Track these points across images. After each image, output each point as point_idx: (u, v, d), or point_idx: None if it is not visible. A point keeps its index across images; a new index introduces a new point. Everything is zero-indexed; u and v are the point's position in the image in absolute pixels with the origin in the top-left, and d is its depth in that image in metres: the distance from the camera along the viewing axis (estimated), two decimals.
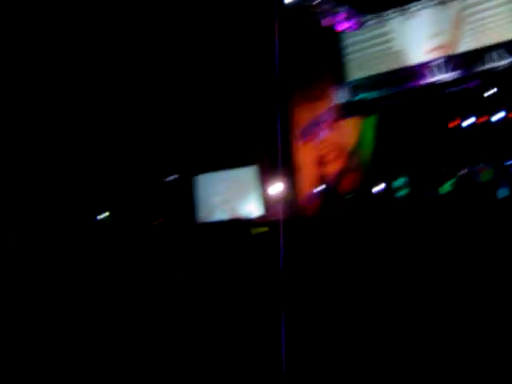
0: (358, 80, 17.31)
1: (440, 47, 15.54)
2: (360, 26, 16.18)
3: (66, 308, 7.98)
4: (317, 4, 14.72)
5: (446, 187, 15.44)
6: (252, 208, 18.79)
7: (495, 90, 16.09)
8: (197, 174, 21.04)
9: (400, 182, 16.13)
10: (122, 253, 13.06)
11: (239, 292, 7.50)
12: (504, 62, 14.44)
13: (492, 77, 15.31)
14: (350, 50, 17.45)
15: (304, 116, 18.52)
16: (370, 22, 16.59)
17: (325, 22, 15.46)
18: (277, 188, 18.12)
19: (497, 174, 15.23)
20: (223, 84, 19.09)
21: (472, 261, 6.33)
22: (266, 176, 19.07)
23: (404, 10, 16.05)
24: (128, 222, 18.96)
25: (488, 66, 14.69)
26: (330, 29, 15.99)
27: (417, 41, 15.97)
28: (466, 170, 15.76)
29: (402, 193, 15.92)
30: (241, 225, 16.76)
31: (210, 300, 7.45)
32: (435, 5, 15.75)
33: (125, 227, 18.44)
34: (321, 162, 18.03)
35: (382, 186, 16.34)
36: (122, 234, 17.19)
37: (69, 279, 10.22)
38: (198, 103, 19.62)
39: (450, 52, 15.34)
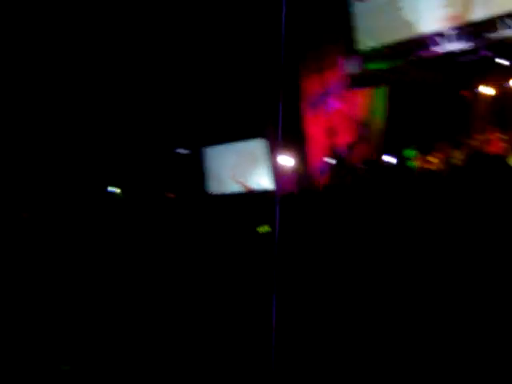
0: (369, 50, 17.08)
1: (451, 17, 15.30)
2: None
3: (74, 281, 8.04)
4: None
5: (457, 158, 15.37)
6: (263, 180, 18.79)
7: (507, 60, 15.93)
8: (206, 146, 21.05)
9: (411, 152, 16.06)
10: (133, 225, 13.11)
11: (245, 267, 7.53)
12: None
13: (505, 46, 15.12)
14: (360, 18, 17.17)
15: (314, 86, 18.43)
16: None
17: None
18: (287, 160, 18.11)
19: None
20: (232, 55, 18.98)
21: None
22: (275, 148, 19.06)
23: None
24: (138, 194, 19.03)
25: (501, 34, 14.45)
26: None
27: (428, 10, 15.69)
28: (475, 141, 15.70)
29: (413, 164, 15.86)
30: (252, 197, 16.78)
31: (217, 271, 7.48)
32: None
33: (136, 200, 18.51)
34: (331, 133, 17.96)
35: (394, 157, 16.29)
36: (133, 207, 17.25)
37: (78, 252, 10.28)
38: (206, 75, 19.54)
39: (462, 21, 15.10)
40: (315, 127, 18.47)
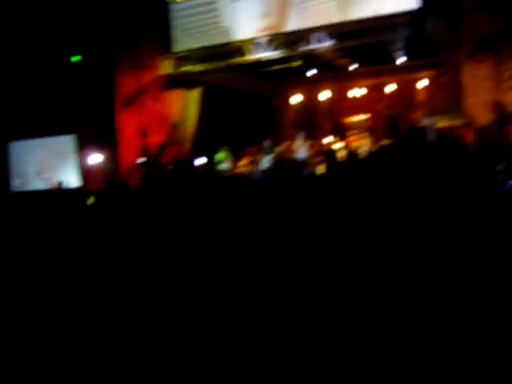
0: (185, 51, 17.18)
1: (267, 27, 15.86)
2: None
3: None
4: None
5: (265, 162, 15.92)
6: (70, 178, 18.16)
7: (314, 70, 16.80)
8: (11, 140, 19.96)
9: (221, 155, 16.38)
10: None
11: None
12: (325, 44, 15.06)
13: (313, 57, 15.95)
14: (178, 19, 17.23)
15: (127, 84, 18.14)
16: None
17: None
18: (97, 158, 17.70)
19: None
20: (41, 50, 18.17)
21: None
22: (85, 145, 18.54)
23: None
24: None
25: (311, 46, 15.24)
26: None
27: (244, 18, 16.15)
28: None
29: (223, 166, 16.18)
30: (57, 194, 16.15)
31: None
32: None
33: None
34: (143, 132, 17.78)
35: (204, 159, 16.50)
36: None
37: None
38: (13, 67, 18.56)
39: (276, 31, 15.71)
40: (128, 126, 18.18)
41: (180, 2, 16.66)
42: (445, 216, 6.22)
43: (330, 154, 12.14)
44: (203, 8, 16.76)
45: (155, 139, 17.63)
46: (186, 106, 17.89)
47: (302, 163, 14.31)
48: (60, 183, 16.40)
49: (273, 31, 15.79)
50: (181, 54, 17.24)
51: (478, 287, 4.75)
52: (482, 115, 13.72)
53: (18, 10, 17.53)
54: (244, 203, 8.58)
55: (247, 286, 5.55)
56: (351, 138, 15.96)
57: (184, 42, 17.24)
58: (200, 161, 16.49)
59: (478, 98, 13.78)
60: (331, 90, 19.09)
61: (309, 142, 16.24)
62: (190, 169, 15.18)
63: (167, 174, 15.46)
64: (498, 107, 13.45)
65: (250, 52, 16.00)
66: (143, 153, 17.47)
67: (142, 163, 17.25)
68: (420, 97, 18.10)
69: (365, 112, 19.36)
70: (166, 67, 17.46)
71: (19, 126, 19.20)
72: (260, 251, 6.11)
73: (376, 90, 18.67)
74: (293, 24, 15.58)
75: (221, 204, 8.80)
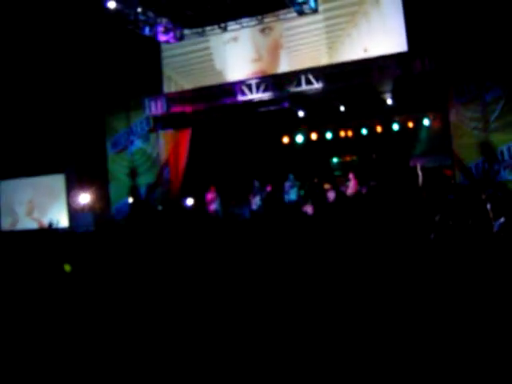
0: (175, 93, 17.34)
1: (259, 71, 16.09)
2: (179, 39, 16.19)
3: None
4: (137, 13, 14.49)
5: (255, 203, 15.92)
6: (59, 217, 18.06)
7: (305, 111, 16.92)
8: (1, 179, 19.90)
9: (211, 196, 16.35)
10: None
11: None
12: (315, 86, 15.24)
13: (303, 99, 16.09)
14: (168, 62, 17.45)
15: (118, 125, 18.23)
16: (189, 37, 16.66)
17: (144, 32, 15.25)
18: (86, 198, 17.67)
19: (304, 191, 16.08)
20: (34, 88, 18.26)
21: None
22: (75, 185, 18.52)
23: (224, 27, 16.32)
24: None
25: (301, 88, 15.43)
26: (150, 39, 15.83)
27: (236, 61, 16.38)
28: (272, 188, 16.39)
29: (213, 207, 16.16)
30: (46, 234, 16.05)
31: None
32: (254, 27, 16.21)
33: None
34: (133, 173, 17.80)
35: (194, 199, 16.49)
36: None
37: None
38: (5, 107, 18.62)
39: (268, 74, 15.93)
40: (118, 166, 18.21)
41: (171, 45, 16.81)
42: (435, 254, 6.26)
43: (319, 194, 12.19)
44: (195, 51, 16.99)
45: (145, 179, 17.65)
46: (176, 146, 17.95)
47: (292, 204, 14.35)
48: (51, 224, 16.27)
49: (263, 73, 16.02)
50: (171, 96, 17.37)
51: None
52: (470, 155, 13.84)
53: (9, 51, 17.65)
54: (234, 243, 8.58)
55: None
56: (339, 179, 16.04)
57: (174, 83, 17.41)
58: (189, 201, 16.49)
59: (466, 138, 13.93)
60: (319, 130, 19.22)
61: (298, 183, 16.29)
62: (180, 209, 15.18)
63: (157, 214, 15.45)
64: (485, 148, 13.58)
65: (241, 94, 16.15)
66: (133, 193, 17.46)
67: (132, 203, 17.23)
68: (408, 138, 18.22)
69: (354, 153, 19.49)
70: (155, 108, 17.55)
71: (9, 164, 19.16)
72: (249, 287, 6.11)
73: (364, 131, 18.78)
74: (283, 67, 15.83)
75: (211, 243, 8.80)
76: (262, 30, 16.15)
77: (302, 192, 16.22)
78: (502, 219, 7.14)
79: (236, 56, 16.42)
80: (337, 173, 18.66)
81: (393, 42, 14.38)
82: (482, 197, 10.57)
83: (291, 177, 16.20)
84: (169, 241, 9.09)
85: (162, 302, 6.33)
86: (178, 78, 17.33)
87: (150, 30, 15.30)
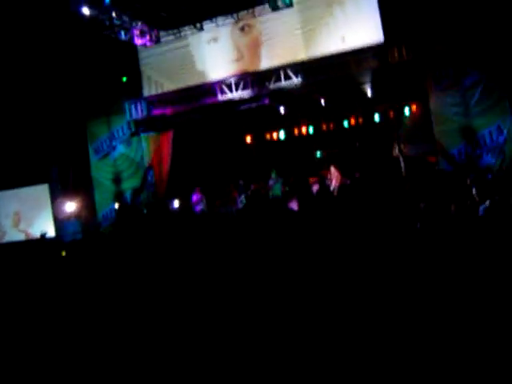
0: (155, 95, 17.26)
1: (239, 70, 16.04)
2: (156, 41, 16.10)
3: None
4: (112, 17, 14.40)
5: (241, 201, 15.93)
6: (46, 227, 17.95)
7: (286, 107, 16.94)
8: None
9: (196, 197, 16.32)
10: None
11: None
12: (294, 81, 15.24)
13: (283, 95, 16.09)
14: (146, 65, 17.34)
15: (99, 131, 18.14)
16: (167, 39, 16.60)
17: (120, 37, 15.17)
18: (71, 206, 17.59)
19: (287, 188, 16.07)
20: (12, 99, 18.11)
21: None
22: (59, 194, 18.43)
23: (200, 27, 16.25)
24: None
25: (280, 84, 15.44)
26: (127, 43, 15.74)
27: (216, 62, 16.32)
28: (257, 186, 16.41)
29: (199, 208, 16.14)
30: (36, 245, 15.97)
31: None
32: (234, 27, 16.15)
33: None
34: (117, 178, 17.73)
35: (179, 201, 16.46)
36: None
37: None
38: None
39: (248, 72, 15.90)
40: (102, 172, 18.12)
41: (150, 48, 16.70)
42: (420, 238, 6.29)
43: (304, 189, 12.19)
44: (173, 50, 16.89)
45: (129, 184, 17.59)
46: (158, 149, 17.90)
47: (277, 200, 14.34)
48: (43, 234, 16.11)
49: (244, 72, 15.96)
50: (151, 98, 17.31)
51: None
52: (452, 142, 13.89)
53: None
54: (220, 240, 8.58)
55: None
56: (323, 172, 16.02)
57: (154, 86, 17.32)
58: (176, 203, 16.46)
59: (447, 125, 13.97)
60: (302, 125, 19.24)
61: (282, 179, 16.29)
62: (166, 211, 15.15)
63: (143, 218, 15.40)
64: (467, 133, 13.64)
65: (221, 93, 16.12)
66: (118, 198, 17.40)
67: (118, 208, 17.17)
68: (390, 127, 18.27)
69: (336, 146, 19.49)
70: (136, 112, 17.49)
71: None
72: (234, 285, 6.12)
73: (346, 124, 18.81)
74: (264, 64, 15.77)
75: (198, 241, 8.79)
76: (242, 29, 16.07)
77: (287, 188, 16.22)
78: (488, 203, 7.18)
79: (217, 56, 16.33)
80: (321, 167, 18.66)
81: (369, 31, 14.35)
82: (467, 182, 10.65)
83: (274, 173, 16.21)
84: (156, 243, 9.07)
85: (156, 302, 6.32)
86: (158, 78, 17.20)
87: (125, 34, 15.22)
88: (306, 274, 5.89)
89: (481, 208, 7.35)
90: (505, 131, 13.42)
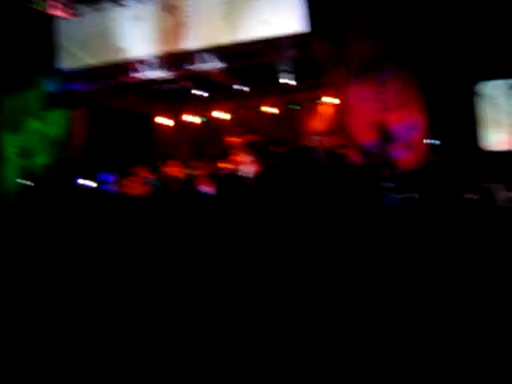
0: (70, 70, 16.72)
1: (161, 50, 15.73)
2: (76, 15, 15.59)
3: None
4: None
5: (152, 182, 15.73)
6: None
7: (204, 91, 16.84)
8: None
9: (106, 176, 16.00)
10: None
11: None
12: (212, 65, 15.13)
13: (202, 79, 15.99)
14: (64, 38, 16.73)
15: (13, 105, 17.46)
16: (86, 13, 16.09)
17: (40, 8, 14.57)
18: None
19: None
20: None
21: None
22: None
23: (121, 4, 15.85)
24: None
25: (200, 67, 15.28)
26: (45, 15, 15.15)
27: (138, 41, 15.96)
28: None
29: (109, 187, 15.82)
30: None
31: None
32: (160, 7, 15.82)
33: None
34: (26, 153, 17.14)
35: (90, 179, 16.09)
36: None
37: None
38: None
39: (166, 52, 15.62)
40: (11, 147, 17.47)
41: (68, 20, 16.13)
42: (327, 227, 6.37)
43: (215, 175, 12.17)
44: (91, 27, 16.41)
45: (41, 160, 17.04)
46: (73, 125, 17.40)
47: (188, 183, 14.26)
48: None
49: (161, 51, 15.68)
50: (66, 73, 16.76)
51: None
52: (366, 135, 14.18)
53: None
54: (130, 222, 8.46)
55: None
56: (237, 159, 16.02)
57: (70, 60, 16.77)
58: (84, 181, 16.05)
59: (362, 118, 14.24)
60: (218, 110, 19.23)
61: (195, 163, 16.20)
62: (74, 189, 14.78)
63: (51, 196, 14.93)
64: (381, 127, 13.95)
65: (137, 71, 15.81)
66: (26, 174, 16.82)
67: (24, 184, 16.58)
68: (306, 117, 18.51)
69: (252, 132, 19.57)
70: (50, 86, 16.92)
71: None
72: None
73: (263, 111, 18.92)
74: (185, 46, 15.53)
75: (107, 222, 8.63)
76: (165, 9, 15.77)
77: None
78: (404, 195, 7.35)
79: (138, 34, 15.95)
80: (233, 153, 18.74)
81: (294, 19, 14.36)
82: (379, 175, 10.89)
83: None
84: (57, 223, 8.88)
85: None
86: (76, 51, 16.63)
87: (45, 5, 14.65)
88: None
89: (395, 199, 7.51)
90: (418, 127, 13.86)
